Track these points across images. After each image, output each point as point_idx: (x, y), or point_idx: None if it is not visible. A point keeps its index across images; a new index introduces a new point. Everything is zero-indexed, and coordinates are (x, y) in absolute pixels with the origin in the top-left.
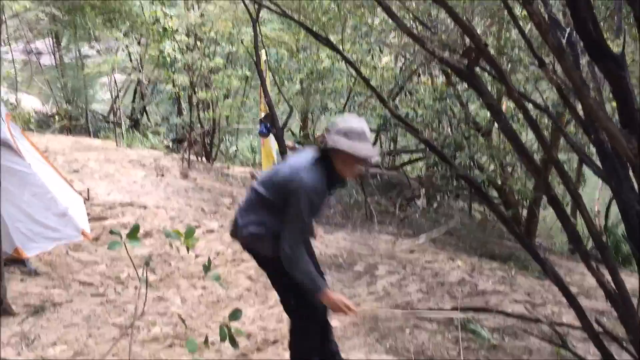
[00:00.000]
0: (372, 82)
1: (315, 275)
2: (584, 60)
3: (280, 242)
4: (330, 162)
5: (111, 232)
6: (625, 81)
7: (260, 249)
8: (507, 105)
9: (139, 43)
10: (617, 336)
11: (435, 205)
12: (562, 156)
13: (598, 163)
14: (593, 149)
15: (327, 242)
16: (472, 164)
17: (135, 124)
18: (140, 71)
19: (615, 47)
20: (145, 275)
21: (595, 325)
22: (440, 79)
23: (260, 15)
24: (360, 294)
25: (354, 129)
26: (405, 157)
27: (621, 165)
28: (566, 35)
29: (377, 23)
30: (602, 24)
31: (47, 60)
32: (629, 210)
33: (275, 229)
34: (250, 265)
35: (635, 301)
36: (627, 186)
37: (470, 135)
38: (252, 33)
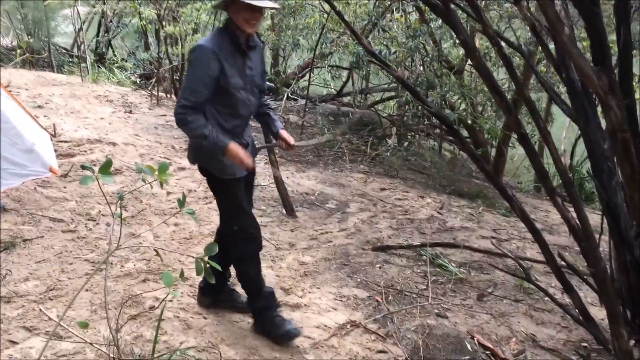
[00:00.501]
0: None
1: (214, 133)
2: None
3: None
4: (232, 24)
5: (83, 167)
6: (599, 18)
7: (200, 161)
8: (479, 43)
9: None
10: (578, 269)
11: (406, 144)
12: (532, 95)
13: (567, 102)
14: (562, 89)
15: (298, 181)
16: (443, 103)
17: (100, 59)
18: (104, 3)
19: None
20: (119, 210)
21: (558, 259)
22: (414, 16)
23: None
24: (331, 230)
25: None
26: (377, 96)
27: (589, 104)
28: None
29: None
30: None
31: None
32: (596, 148)
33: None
34: None
35: (597, 236)
36: (595, 124)
37: (442, 74)
38: None
